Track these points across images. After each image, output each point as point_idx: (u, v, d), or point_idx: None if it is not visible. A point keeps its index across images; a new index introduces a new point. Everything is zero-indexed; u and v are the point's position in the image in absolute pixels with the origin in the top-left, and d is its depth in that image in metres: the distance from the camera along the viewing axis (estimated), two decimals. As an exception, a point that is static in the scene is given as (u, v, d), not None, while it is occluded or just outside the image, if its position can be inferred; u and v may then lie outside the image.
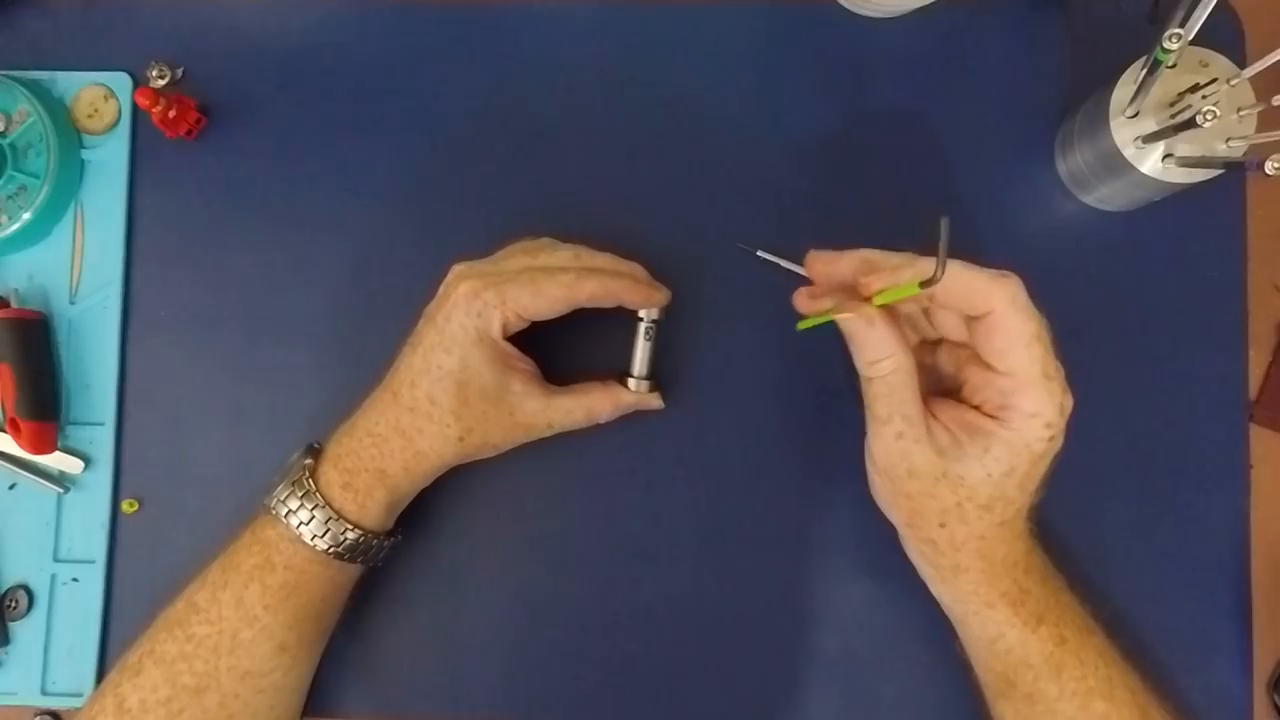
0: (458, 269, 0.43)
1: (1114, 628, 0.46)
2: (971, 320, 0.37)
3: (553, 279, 0.41)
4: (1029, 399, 0.35)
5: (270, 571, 0.41)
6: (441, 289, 0.43)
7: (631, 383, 0.45)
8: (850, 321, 0.37)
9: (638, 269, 0.44)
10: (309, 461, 0.42)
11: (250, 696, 0.41)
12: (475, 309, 0.40)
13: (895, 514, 0.40)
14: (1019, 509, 0.38)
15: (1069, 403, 0.36)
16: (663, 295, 0.44)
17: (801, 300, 0.41)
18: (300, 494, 0.41)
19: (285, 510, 0.41)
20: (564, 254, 0.43)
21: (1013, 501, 0.37)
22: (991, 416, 0.37)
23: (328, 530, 0.41)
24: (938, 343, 0.41)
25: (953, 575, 0.39)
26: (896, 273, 0.36)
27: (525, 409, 0.42)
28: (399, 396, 0.41)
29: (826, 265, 0.39)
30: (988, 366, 0.36)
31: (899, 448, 0.37)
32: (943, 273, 0.33)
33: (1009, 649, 0.39)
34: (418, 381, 0.41)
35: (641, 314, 0.44)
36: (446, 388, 0.40)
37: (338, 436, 0.43)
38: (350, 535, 0.41)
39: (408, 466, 0.42)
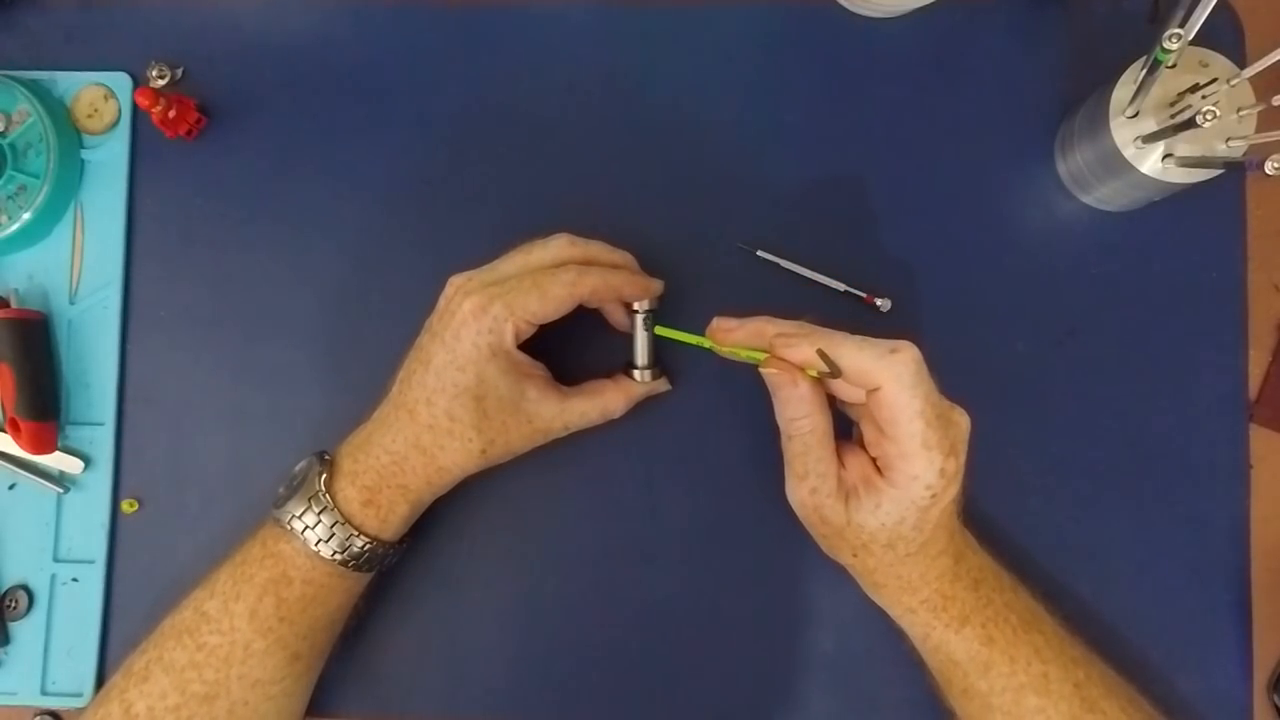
0: (457, 282, 0.42)
1: (1113, 627, 0.46)
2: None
3: (555, 279, 0.41)
4: (910, 465, 0.38)
5: (287, 585, 0.41)
6: (442, 303, 0.42)
7: (637, 374, 0.46)
8: (776, 377, 0.40)
9: (629, 257, 0.44)
10: (324, 475, 0.42)
11: (260, 703, 0.41)
12: (485, 325, 0.40)
13: (817, 542, 0.43)
14: (922, 543, 0.40)
15: (951, 465, 0.38)
16: (658, 285, 0.45)
17: (719, 332, 0.42)
18: (318, 509, 0.41)
19: (302, 526, 0.41)
20: (557, 243, 0.43)
21: (912, 540, 0.40)
22: (880, 473, 0.39)
23: (348, 546, 0.41)
24: None
25: (874, 589, 0.43)
26: (800, 348, 0.39)
27: (543, 415, 0.42)
28: (415, 415, 0.41)
29: (727, 334, 0.41)
30: (879, 428, 0.39)
31: (813, 501, 0.40)
32: (839, 371, 0.38)
33: (936, 647, 0.42)
34: (434, 400, 0.41)
35: (636, 306, 0.44)
36: (465, 404, 0.40)
37: (351, 452, 0.42)
38: (369, 548, 0.41)
39: (430, 481, 0.42)
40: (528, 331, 0.41)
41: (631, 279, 0.43)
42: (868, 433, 0.40)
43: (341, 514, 0.41)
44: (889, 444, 0.38)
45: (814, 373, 0.39)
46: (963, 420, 0.39)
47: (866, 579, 0.43)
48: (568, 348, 0.46)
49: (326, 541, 0.41)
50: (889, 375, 0.37)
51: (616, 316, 0.46)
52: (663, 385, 0.46)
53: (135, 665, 0.41)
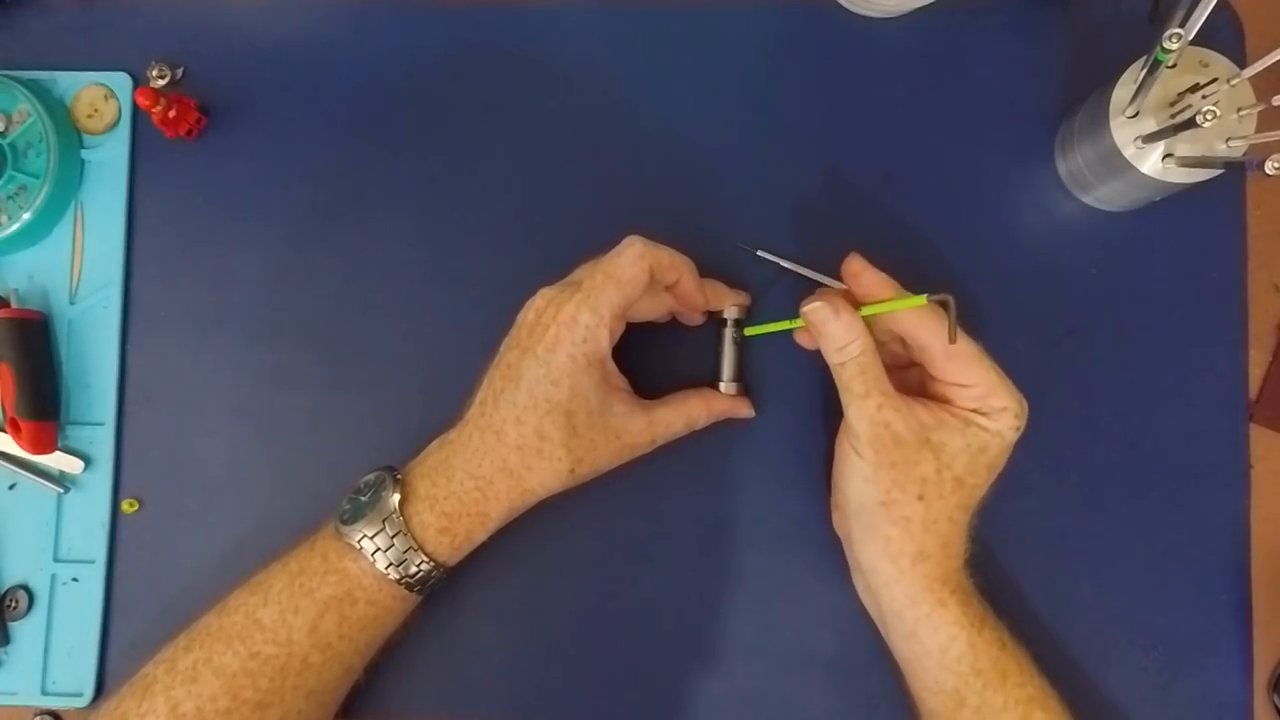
0: (547, 294, 0.42)
1: (1113, 627, 0.46)
2: (924, 353, 0.41)
3: (621, 259, 0.40)
4: (999, 397, 0.40)
5: (351, 605, 0.41)
6: (531, 317, 0.42)
7: (722, 386, 0.46)
8: (817, 311, 0.40)
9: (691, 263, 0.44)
10: (397, 497, 0.41)
11: (312, 711, 0.41)
12: (579, 335, 0.40)
13: (872, 491, 0.40)
14: (978, 499, 0.41)
15: (1025, 404, 0.40)
16: (744, 296, 0.47)
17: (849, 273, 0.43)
18: (392, 534, 0.40)
19: (373, 548, 0.40)
20: (633, 250, 0.41)
21: (978, 485, 0.40)
22: (970, 410, 0.41)
23: (418, 572, 0.41)
24: (904, 367, 0.45)
25: (911, 566, 0.40)
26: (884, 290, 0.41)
27: (630, 429, 0.42)
28: (503, 436, 0.41)
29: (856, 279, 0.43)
30: (956, 385, 0.41)
31: (881, 417, 0.40)
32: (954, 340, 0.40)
33: (960, 656, 0.40)
34: (524, 418, 0.40)
35: (726, 314, 0.46)
36: (556, 420, 0.40)
37: (428, 474, 0.42)
38: (436, 574, 0.41)
39: (512, 505, 0.42)
40: (619, 329, 0.41)
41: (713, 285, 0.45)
42: (938, 395, 0.42)
43: (415, 539, 0.40)
44: (971, 390, 0.40)
45: (868, 311, 0.41)
46: None
47: (914, 544, 0.40)
48: (643, 372, 0.46)
49: (397, 565, 0.40)
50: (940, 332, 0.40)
51: (691, 317, 0.46)
52: (745, 408, 0.47)
53: (180, 663, 0.40)
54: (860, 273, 0.42)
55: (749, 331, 0.46)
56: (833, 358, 0.41)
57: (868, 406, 0.40)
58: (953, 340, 0.39)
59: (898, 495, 0.40)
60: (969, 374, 0.40)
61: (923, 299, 0.39)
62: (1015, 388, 0.40)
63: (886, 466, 0.40)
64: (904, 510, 0.40)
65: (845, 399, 0.41)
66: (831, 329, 0.40)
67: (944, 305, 0.39)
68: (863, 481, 0.41)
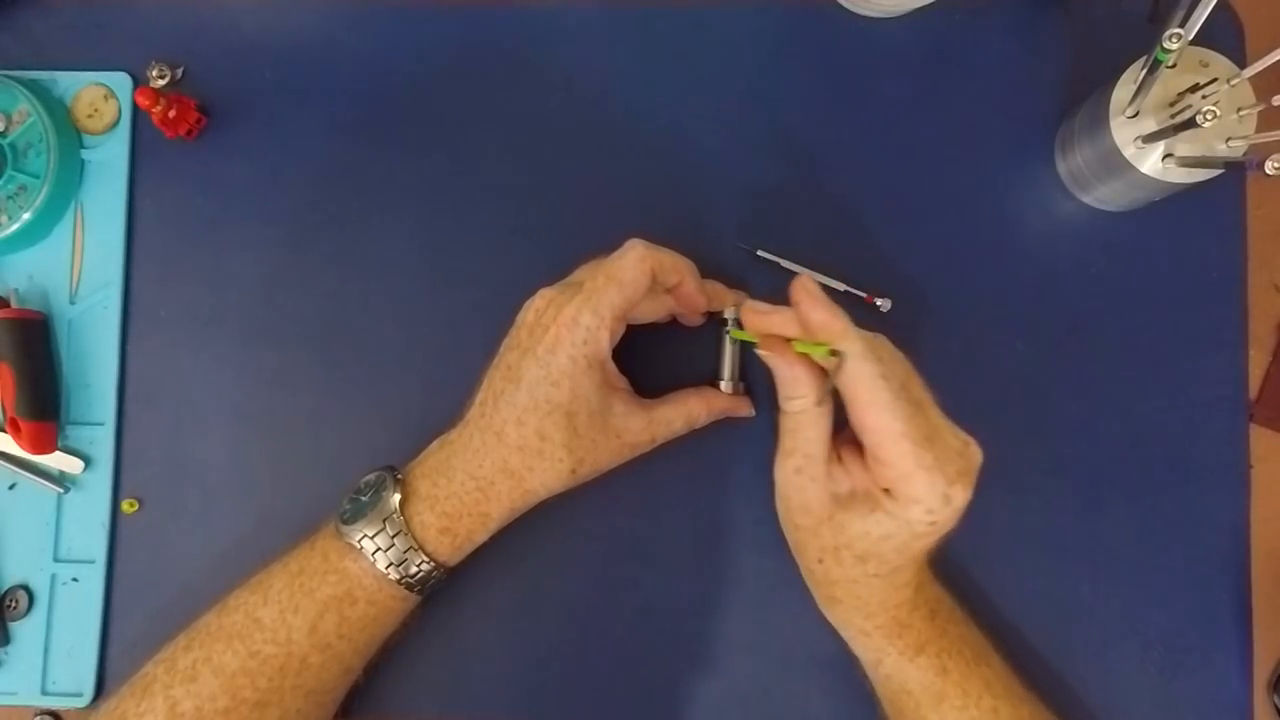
0: (546, 294, 0.42)
1: (1113, 627, 0.46)
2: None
3: (623, 261, 0.40)
4: (911, 487, 0.36)
5: (351, 604, 0.41)
6: (530, 318, 0.42)
7: (723, 385, 0.46)
8: (771, 359, 0.39)
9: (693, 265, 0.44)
10: (398, 497, 0.41)
11: (311, 710, 0.41)
12: (580, 337, 0.39)
13: (785, 533, 0.43)
14: (895, 568, 0.39)
15: (958, 495, 0.36)
16: (743, 295, 0.46)
17: (748, 315, 0.40)
18: (392, 533, 0.40)
19: (374, 548, 0.40)
20: (635, 252, 0.41)
21: (887, 562, 0.39)
22: (883, 490, 0.38)
23: (419, 572, 0.41)
24: None
25: (829, 604, 0.43)
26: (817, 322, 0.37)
27: (630, 429, 0.42)
28: (504, 437, 0.41)
29: (761, 318, 0.40)
30: (872, 459, 0.37)
31: (796, 482, 0.39)
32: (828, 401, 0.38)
33: (889, 675, 0.41)
34: (525, 419, 0.40)
35: (726, 314, 0.46)
36: (557, 421, 0.40)
37: (429, 475, 0.42)
38: (436, 574, 0.41)
39: (514, 506, 0.42)
40: (620, 331, 0.41)
41: (712, 285, 0.44)
42: (869, 460, 0.38)
43: (415, 539, 0.40)
44: (881, 470, 0.37)
45: (824, 350, 0.37)
46: (973, 454, 0.38)
47: (824, 590, 0.42)
48: (644, 372, 0.45)
49: (397, 565, 0.40)
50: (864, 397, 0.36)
51: (692, 318, 0.46)
52: (745, 406, 0.47)
53: (180, 662, 0.40)
54: (799, 302, 0.38)
55: (737, 335, 0.45)
56: (780, 401, 0.39)
57: (787, 465, 0.39)
58: (819, 402, 0.37)
59: (801, 551, 0.42)
60: (885, 449, 0.36)
61: (824, 348, 0.36)
62: (946, 483, 0.36)
63: (791, 526, 0.41)
64: (807, 564, 0.42)
65: (778, 446, 0.40)
66: (782, 375, 0.39)
67: (836, 355, 0.36)
68: (780, 521, 0.43)
